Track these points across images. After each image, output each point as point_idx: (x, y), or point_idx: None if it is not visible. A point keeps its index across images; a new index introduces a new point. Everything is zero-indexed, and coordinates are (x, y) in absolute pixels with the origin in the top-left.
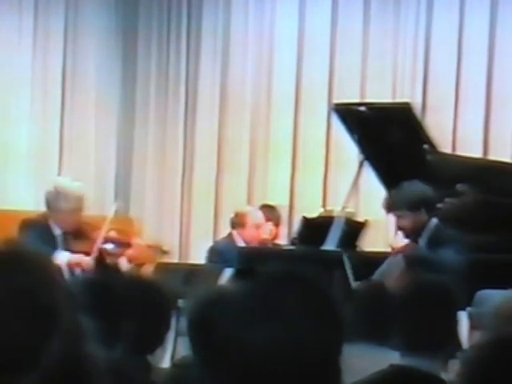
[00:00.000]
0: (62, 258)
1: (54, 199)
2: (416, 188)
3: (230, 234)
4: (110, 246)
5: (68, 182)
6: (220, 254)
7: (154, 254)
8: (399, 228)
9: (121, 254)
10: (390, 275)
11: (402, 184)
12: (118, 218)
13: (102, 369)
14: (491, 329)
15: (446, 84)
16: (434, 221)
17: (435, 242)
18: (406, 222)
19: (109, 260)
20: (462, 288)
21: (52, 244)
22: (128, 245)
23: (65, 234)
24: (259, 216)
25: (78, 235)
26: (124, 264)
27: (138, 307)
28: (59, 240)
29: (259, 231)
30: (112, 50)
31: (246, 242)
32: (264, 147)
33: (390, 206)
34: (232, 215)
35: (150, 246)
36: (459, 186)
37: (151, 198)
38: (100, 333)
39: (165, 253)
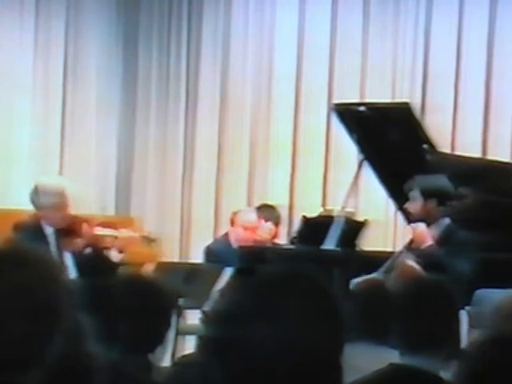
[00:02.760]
0: None
1: (34, 197)
2: (438, 178)
3: (226, 234)
4: (99, 230)
5: (48, 179)
6: (216, 254)
7: (142, 243)
8: (407, 212)
9: (110, 246)
10: (395, 272)
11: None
12: (119, 217)
13: (102, 367)
14: (491, 327)
15: (445, 84)
16: (446, 221)
17: (446, 243)
18: (415, 207)
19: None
20: (466, 289)
21: (43, 243)
22: (115, 236)
23: (56, 231)
24: (250, 217)
25: (69, 232)
26: (115, 255)
27: (138, 306)
28: (51, 238)
29: (247, 232)
30: (113, 50)
31: (234, 241)
32: (264, 147)
33: (408, 187)
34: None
35: (137, 236)
36: (461, 190)
37: (152, 197)
38: (101, 331)
39: (152, 241)
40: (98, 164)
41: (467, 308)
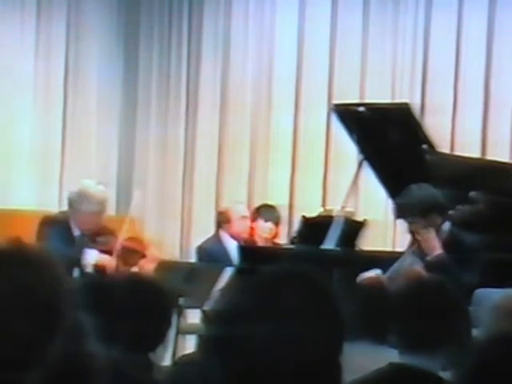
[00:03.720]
0: (91, 257)
1: (76, 200)
2: (425, 192)
3: (216, 234)
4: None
5: (92, 185)
6: (209, 253)
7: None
8: (412, 233)
9: (136, 263)
10: (401, 276)
11: (410, 189)
12: (120, 217)
13: (103, 367)
14: (490, 327)
15: (444, 84)
16: (447, 225)
17: (449, 247)
18: (421, 227)
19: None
20: (470, 293)
21: (70, 244)
22: (143, 256)
23: (84, 234)
24: (242, 209)
25: (96, 237)
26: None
27: (139, 305)
28: (78, 240)
29: (247, 222)
30: (114, 51)
31: (234, 237)
32: (264, 147)
33: (401, 213)
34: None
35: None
36: (473, 194)
37: (152, 197)
38: (102, 331)
39: None
40: (98, 164)
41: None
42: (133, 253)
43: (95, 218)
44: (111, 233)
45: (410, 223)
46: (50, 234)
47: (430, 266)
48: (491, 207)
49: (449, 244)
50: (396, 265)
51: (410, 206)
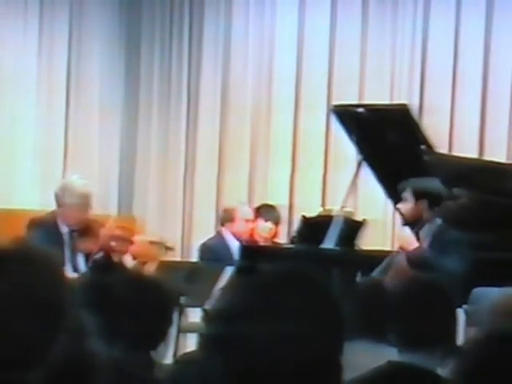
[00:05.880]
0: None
1: (60, 195)
2: (431, 181)
3: (218, 232)
4: (113, 243)
5: (75, 180)
6: (212, 251)
7: (157, 250)
8: (399, 212)
9: (125, 251)
10: (391, 271)
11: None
12: (122, 216)
13: (105, 365)
14: (487, 325)
15: (442, 85)
16: (438, 221)
17: (438, 243)
18: (407, 207)
19: (114, 257)
20: (459, 287)
21: (58, 242)
22: (131, 242)
23: (72, 231)
24: (248, 211)
25: (84, 233)
26: (129, 261)
27: (140, 304)
28: (66, 238)
29: (249, 225)
30: (115, 52)
31: (235, 236)
32: (264, 147)
33: (401, 188)
34: (221, 212)
35: (153, 243)
36: (456, 191)
37: (154, 197)
38: (103, 330)
39: (168, 249)
40: (101, 164)
41: (464, 306)
42: (120, 240)
43: (78, 211)
44: (99, 227)
45: (402, 199)
46: (37, 235)
47: (409, 261)
48: (481, 205)
49: (436, 238)
50: (387, 259)
51: (410, 183)
